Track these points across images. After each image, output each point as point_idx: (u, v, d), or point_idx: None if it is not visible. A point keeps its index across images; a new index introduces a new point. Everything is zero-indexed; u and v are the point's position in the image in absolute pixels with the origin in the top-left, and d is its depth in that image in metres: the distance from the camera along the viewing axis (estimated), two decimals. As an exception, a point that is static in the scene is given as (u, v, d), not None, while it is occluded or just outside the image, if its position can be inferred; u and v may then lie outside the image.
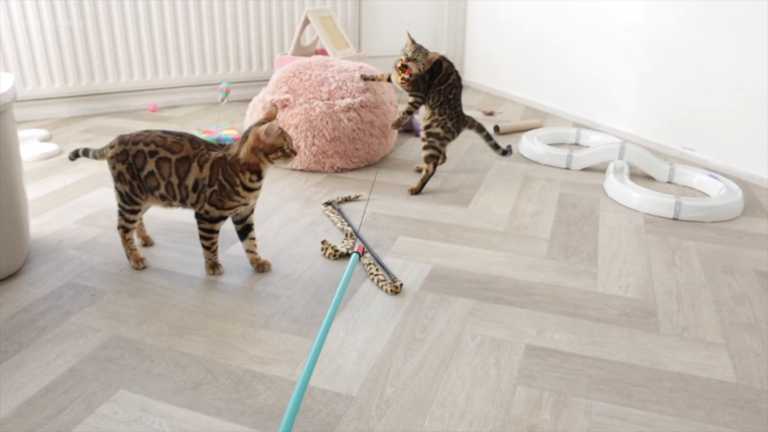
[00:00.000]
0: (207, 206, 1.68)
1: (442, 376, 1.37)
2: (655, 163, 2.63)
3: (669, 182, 2.62)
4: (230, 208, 1.69)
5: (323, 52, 3.70)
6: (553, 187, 2.52)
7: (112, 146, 1.74)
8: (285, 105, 2.57)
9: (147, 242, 1.97)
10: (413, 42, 2.36)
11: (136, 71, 3.53)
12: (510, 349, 1.48)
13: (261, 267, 1.82)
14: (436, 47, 4.47)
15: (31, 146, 2.80)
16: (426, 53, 2.34)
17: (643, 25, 3.04)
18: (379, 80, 2.67)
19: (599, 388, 1.36)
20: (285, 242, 1.99)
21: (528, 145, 2.88)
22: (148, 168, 1.69)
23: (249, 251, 1.81)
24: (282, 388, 1.33)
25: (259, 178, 1.67)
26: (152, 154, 1.69)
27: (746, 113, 2.62)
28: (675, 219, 2.24)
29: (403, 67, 2.35)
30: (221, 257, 1.87)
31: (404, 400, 1.29)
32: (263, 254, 1.88)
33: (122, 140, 1.73)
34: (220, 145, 1.71)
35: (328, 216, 2.18)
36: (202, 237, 1.75)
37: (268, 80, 3.81)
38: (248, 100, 3.74)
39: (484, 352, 1.46)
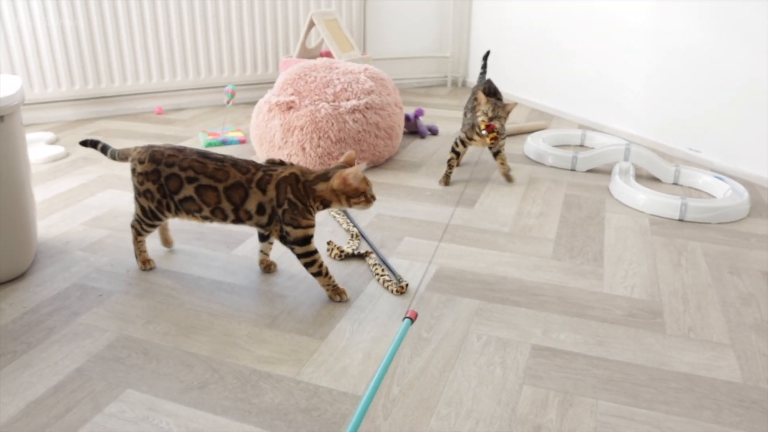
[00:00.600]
0: (286, 228, 1.59)
1: (448, 376, 1.37)
2: (660, 164, 2.62)
3: (674, 183, 2.62)
4: (308, 226, 1.60)
5: (328, 55, 3.71)
6: (558, 189, 2.52)
7: (141, 161, 1.65)
8: (290, 107, 2.57)
9: (168, 244, 1.94)
10: (487, 99, 2.37)
11: (142, 74, 3.55)
12: (516, 349, 1.48)
13: (268, 268, 1.81)
14: (441, 49, 4.48)
15: (39, 149, 2.81)
16: (504, 106, 2.37)
17: (648, 27, 3.04)
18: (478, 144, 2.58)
19: (605, 388, 1.35)
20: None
21: (532, 145, 2.88)
22: (185, 193, 1.62)
23: (263, 252, 1.79)
24: (288, 387, 1.33)
25: (325, 208, 1.63)
26: (191, 180, 1.61)
27: (752, 115, 2.62)
28: (681, 220, 2.24)
29: (488, 127, 2.37)
30: (226, 257, 1.88)
31: (410, 400, 1.30)
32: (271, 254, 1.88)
33: (154, 158, 1.64)
34: (274, 162, 1.64)
35: (334, 217, 2.18)
36: (305, 265, 1.64)
37: (273, 82, 3.83)
38: (254, 103, 3.76)
39: (490, 351, 1.46)
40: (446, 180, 2.54)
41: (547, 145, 2.88)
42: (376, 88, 2.68)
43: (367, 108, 2.59)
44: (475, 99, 2.47)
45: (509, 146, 3.02)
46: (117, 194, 2.36)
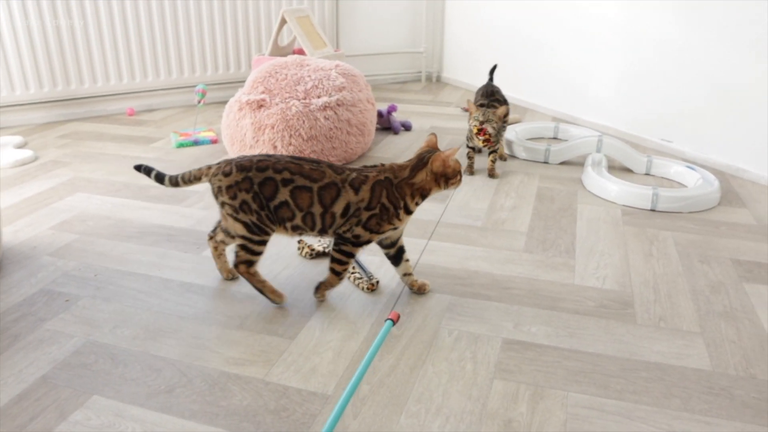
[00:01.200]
0: (359, 230, 1.54)
1: (418, 373, 1.37)
2: (632, 155, 2.64)
3: (647, 174, 2.63)
4: (383, 233, 1.57)
5: (301, 52, 3.68)
6: (531, 181, 2.52)
7: (227, 173, 1.53)
8: (261, 105, 2.55)
9: (233, 275, 1.77)
10: (476, 107, 2.53)
11: (112, 75, 3.50)
12: (487, 343, 1.47)
13: (421, 289, 1.69)
14: (415, 45, 4.47)
15: (6, 153, 2.77)
16: (494, 111, 2.48)
17: (620, 21, 3.05)
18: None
19: (576, 379, 1.35)
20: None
21: (506, 138, 2.88)
22: (281, 198, 1.52)
23: (406, 275, 1.68)
24: (257, 389, 1.31)
25: (422, 200, 1.59)
26: (286, 182, 1.52)
27: (722, 105, 2.64)
28: (653, 210, 2.25)
29: (480, 131, 2.48)
30: (196, 259, 1.86)
31: (380, 398, 1.29)
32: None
33: (242, 166, 1.53)
34: (369, 167, 1.59)
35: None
36: (337, 261, 1.59)
37: (245, 81, 3.80)
38: (226, 102, 3.72)
39: (461, 347, 1.46)
40: (470, 169, 2.64)
41: (520, 138, 2.88)
42: (348, 85, 2.67)
43: (338, 105, 2.58)
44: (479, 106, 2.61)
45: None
46: (86, 197, 2.32)
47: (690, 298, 1.69)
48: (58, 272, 1.79)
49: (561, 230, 2.08)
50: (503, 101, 2.68)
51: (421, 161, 1.56)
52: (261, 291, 1.62)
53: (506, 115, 2.65)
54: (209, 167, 1.58)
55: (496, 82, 2.97)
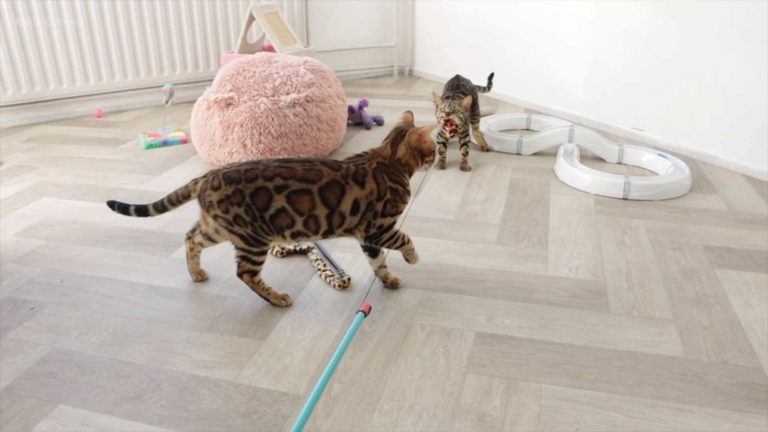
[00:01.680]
0: (380, 220, 1.53)
1: (390, 369, 1.35)
2: (604, 144, 2.64)
3: (619, 163, 2.64)
4: (401, 212, 1.57)
5: (270, 49, 3.65)
6: (503, 173, 2.52)
7: (216, 187, 1.48)
8: (229, 103, 2.52)
9: (202, 277, 1.74)
10: (442, 98, 2.54)
11: (78, 77, 3.44)
12: (460, 337, 1.46)
13: (394, 284, 1.67)
14: (386, 39, 4.45)
15: (-31, 158, 2.71)
16: (460, 102, 2.49)
17: (588, 11, 3.05)
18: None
19: (549, 371, 1.35)
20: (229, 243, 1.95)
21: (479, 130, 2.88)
22: (276, 206, 1.47)
23: (381, 267, 1.66)
24: (227, 391, 1.29)
25: (410, 176, 1.60)
26: (280, 189, 1.46)
27: (692, 92, 2.65)
28: (625, 199, 2.25)
29: (447, 122, 2.48)
30: (165, 261, 1.83)
31: (352, 396, 1.27)
32: (207, 256, 1.84)
33: (230, 178, 1.47)
34: (354, 159, 1.56)
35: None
36: (390, 245, 1.58)
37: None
38: (196, 101, 3.68)
39: (434, 342, 1.44)
40: (441, 164, 2.62)
41: (492, 130, 2.87)
42: (317, 81, 2.64)
43: (307, 101, 2.55)
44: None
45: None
46: (52, 202, 2.28)
47: (662, 286, 1.69)
48: (23, 279, 1.75)
49: (534, 221, 2.08)
50: (469, 91, 2.67)
51: (399, 134, 1.56)
52: (267, 299, 1.60)
53: (474, 105, 2.70)
54: (195, 182, 1.53)
55: (468, 76, 2.97)
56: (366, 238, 1.55)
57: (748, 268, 1.78)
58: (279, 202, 1.47)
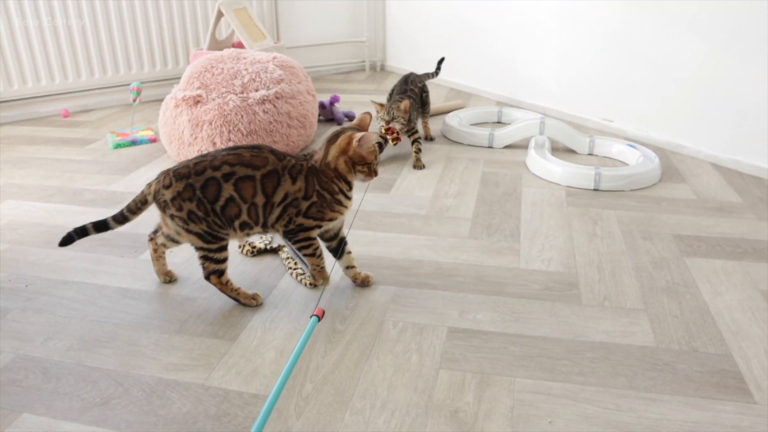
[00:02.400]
0: (301, 219, 1.49)
1: (363, 367, 1.34)
2: (575, 136, 2.65)
3: (590, 154, 2.65)
4: (330, 219, 1.52)
5: (240, 46, 3.60)
6: (475, 167, 2.51)
7: (167, 186, 1.46)
8: (198, 101, 2.48)
9: (171, 278, 1.71)
10: (381, 105, 2.52)
11: (43, 75, 3.37)
12: (432, 333, 1.45)
13: (365, 282, 1.65)
14: (357, 34, 4.42)
15: (-70, 162, 2.64)
16: (398, 106, 2.47)
17: (558, 3, 3.05)
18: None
19: (522, 365, 1.35)
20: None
21: (449, 124, 2.87)
22: (225, 195, 1.45)
23: (349, 267, 1.64)
24: (197, 394, 1.27)
25: (350, 188, 1.52)
26: (228, 176, 1.44)
27: (660, 83, 2.67)
28: (596, 190, 2.26)
29: (388, 131, 2.45)
30: (133, 263, 1.80)
31: (324, 396, 1.26)
32: (177, 257, 1.81)
33: (179, 174, 1.45)
34: (305, 156, 1.52)
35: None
36: (302, 248, 1.54)
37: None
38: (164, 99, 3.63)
39: (406, 338, 1.43)
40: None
41: (463, 124, 2.87)
42: (286, 77, 2.61)
43: (277, 97, 2.52)
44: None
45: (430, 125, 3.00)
46: (17, 204, 2.23)
47: (633, 276, 1.70)
48: (-13, 285, 1.71)
49: (506, 215, 2.08)
50: (418, 92, 2.70)
51: (334, 137, 1.49)
52: (236, 299, 1.58)
53: (424, 101, 2.75)
54: (149, 185, 1.51)
55: (420, 66, 2.96)
56: (284, 233, 1.53)
57: (716, 256, 1.79)
58: (227, 191, 1.45)
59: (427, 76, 2.90)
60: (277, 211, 1.49)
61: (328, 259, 1.77)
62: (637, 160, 2.43)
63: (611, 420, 1.19)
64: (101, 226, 1.55)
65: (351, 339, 1.44)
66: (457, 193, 2.25)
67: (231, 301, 1.60)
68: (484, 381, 1.29)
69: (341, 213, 1.53)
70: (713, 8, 2.39)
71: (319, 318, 1.23)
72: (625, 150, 2.54)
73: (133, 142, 2.89)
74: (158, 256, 1.67)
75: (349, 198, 1.53)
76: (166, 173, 1.48)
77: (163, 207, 1.49)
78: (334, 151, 1.47)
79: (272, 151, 1.49)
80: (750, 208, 2.10)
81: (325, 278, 1.61)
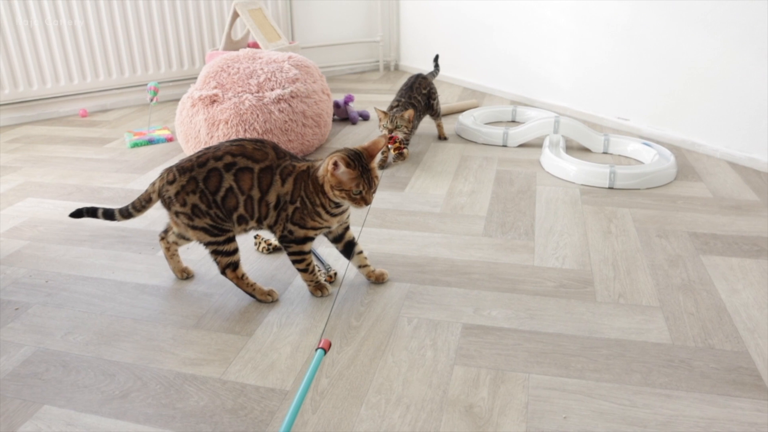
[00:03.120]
0: (290, 226, 1.49)
1: (378, 363, 1.35)
2: (589, 134, 2.64)
3: (605, 152, 2.64)
4: (313, 229, 1.50)
5: (255, 46, 3.63)
6: (490, 165, 2.52)
7: (171, 181, 1.47)
8: (214, 100, 2.50)
9: (187, 275, 1.72)
10: (384, 113, 2.50)
11: (62, 76, 3.41)
12: (447, 329, 1.46)
13: (379, 279, 1.65)
14: (371, 34, 4.43)
15: (-48, 161, 2.68)
16: (402, 115, 2.46)
17: (570, 1, 3.05)
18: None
19: (537, 361, 1.35)
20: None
21: (463, 123, 2.87)
22: (225, 185, 1.46)
23: (362, 266, 1.64)
24: (214, 388, 1.28)
25: (338, 205, 1.48)
26: (229, 167, 1.45)
27: (676, 80, 2.66)
28: (610, 188, 2.26)
29: (391, 139, 2.47)
30: (151, 260, 1.82)
31: (339, 390, 1.27)
32: (193, 254, 1.83)
33: (182, 168, 1.47)
34: (301, 159, 1.52)
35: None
36: (293, 261, 1.55)
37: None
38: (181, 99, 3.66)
39: (421, 334, 1.44)
40: (381, 164, 2.52)
41: (478, 123, 2.87)
42: (301, 76, 2.63)
43: (292, 97, 2.54)
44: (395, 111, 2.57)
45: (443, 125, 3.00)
46: (37, 202, 2.26)
47: (649, 273, 1.69)
48: (8, 280, 1.74)
49: (520, 212, 2.08)
50: (425, 95, 2.69)
51: (332, 153, 1.43)
52: (252, 294, 1.59)
53: (430, 104, 2.72)
54: (153, 184, 1.53)
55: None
56: (279, 239, 1.53)
57: (733, 254, 1.78)
58: (228, 181, 1.46)
59: (432, 75, 2.89)
60: (273, 215, 1.50)
61: (341, 260, 1.78)
62: (652, 159, 2.42)
63: (626, 416, 1.19)
64: (108, 214, 1.59)
65: (366, 335, 1.45)
66: (471, 192, 2.25)
67: (246, 297, 1.61)
68: (498, 377, 1.30)
69: (322, 226, 1.51)
70: (728, 4, 2.38)
71: (325, 351, 1.16)
72: (640, 148, 2.54)
73: (150, 141, 2.92)
74: (171, 254, 1.69)
75: (332, 215, 1.50)
76: (169, 170, 1.50)
77: (167, 204, 1.51)
78: (322, 170, 1.44)
79: (275, 148, 1.50)
80: (767, 207, 2.08)
81: (322, 289, 1.61)
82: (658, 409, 1.21)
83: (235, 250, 1.55)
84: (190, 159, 1.49)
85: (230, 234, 1.53)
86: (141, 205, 1.56)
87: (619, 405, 1.22)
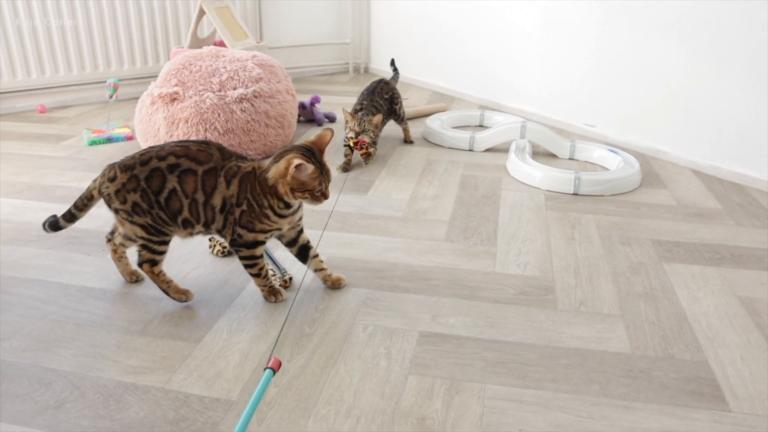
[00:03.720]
0: (239, 229, 1.43)
1: (329, 372, 1.30)
2: (556, 140, 2.62)
3: (571, 158, 2.63)
4: (263, 232, 1.45)
5: (223, 45, 3.56)
6: (455, 170, 2.48)
7: (112, 179, 1.42)
8: (174, 98, 2.43)
9: (137, 278, 1.66)
10: (352, 115, 2.46)
11: (19, 70, 3.30)
12: (402, 337, 1.41)
13: (335, 284, 1.60)
14: (341, 36, 4.39)
15: None
16: (370, 120, 2.42)
17: (540, 8, 3.03)
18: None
19: (494, 371, 1.31)
20: (172, 243, 1.87)
21: (430, 127, 2.84)
22: (169, 186, 1.40)
23: (318, 270, 1.59)
24: (155, 398, 1.22)
25: (288, 206, 1.44)
26: (173, 168, 1.40)
27: (642, 88, 2.65)
28: (575, 194, 2.24)
29: (357, 143, 2.42)
30: (100, 261, 1.75)
31: (287, 401, 1.21)
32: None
33: (124, 166, 1.42)
34: (247, 159, 1.47)
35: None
36: (245, 266, 1.50)
37: (163, 75, 3.65)
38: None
39: (376, 342, 1.39)
40: (345, 166, 2.47)
41: (445, 127, 2.84)
42: (265, 75, 2.57)
43: (255, 96, 2.48)
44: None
45: (410, 128, 2.95)
46: (-16, 201, 2.17)
47: (611, 281, 1.67)
48: (-54, 282, 1.66)
49: (483, 218, 2.04)
50: (388, 100, 2.65)
51: (282, 153, 1.40)
52: (166, 292, 1.53)
53: (393, 110, 2.68)
54: (95, 180, 1.48)
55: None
56: (230, 243, 1.47)
57: (695, 262, 1.77)
58: (171, 182, 1.41)
59: (394, 80, 2.85)
60: (220, 219, 1.44)
61: (298, 264, 1.72)
62: (617, 165, 2.41)
63: (583, 428, 1.15)
64: (54, 225, 1.53)
65: (319, 343, 1.39)
66: (435, 196, 2.21)
67: (198, 302, 1.55)
68: (453, 387, 1.26)
69: (271, 228, 1.45)
70: (694, 15, 2.37)
71: (275, 371, 1.05)
72: (605, 155, 2.52)
73: (109, 140, 2.83)
74: (119, 256, 1.62)
75: (281, 216, 1.45)
76: (111, 166, 1.45)
77: (108, 201, 1.45)
78: (274, 171, 1.39)
79: (220, 149, 1.45)
80: (729, 215, 2.08)
81: (276, 294, 1.56)
82: (615, 421, 1.17)
83: (163, 252, 1.50)
84: (132, 157, 1.44)
85: (167, 238, 1.48)
86: (83, 203, 1.49)
87: (576, 417, 1.18)
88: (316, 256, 1.58)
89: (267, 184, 1.40)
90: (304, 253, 1.56)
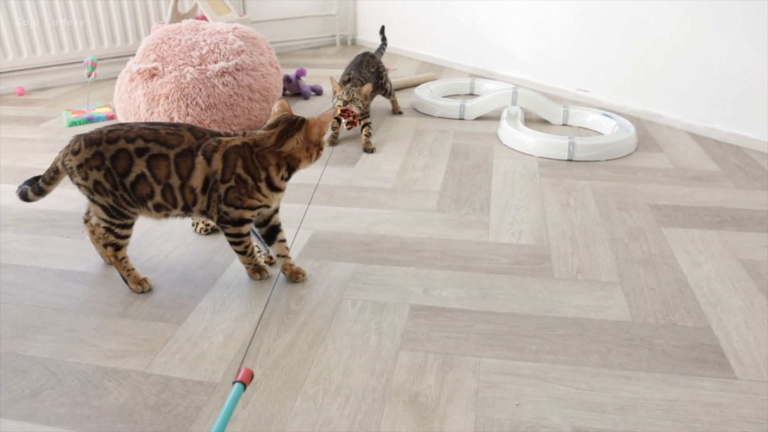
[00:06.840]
0: (224, 207, 1.37)
1: (317, 350, 1.24)
2: (549, 106, 2.56)
3: (564, 124, 2.56)
4: (250, 209, 1.39)
5: (205, 19, 3.46)
6: (445, 139, 2.41)
7: (76, 152, 1.35)
8: (153, 74, 2.35)
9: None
10: (341, 84, 2.40)
11: (-5, 52, 3.21)
12: (393, 312, 1.36)
13: (295, 276, 1.49)
14: (326, 7, 4.28)
15: None
16: (360, 89, 2.35)
17: (528, -34, 2.95)
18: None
19: (489, 344, 1.26)
20: (151, 222, 1.80)
21: (419, 96, 2.76)
22: (136, 171, 1.34)
23: (281, 256, 1.50)
24: (136, 383, 1.17)
25: (290, 176, 1.41)
26: (141, 152, 1.33)
27: (636, 51, 2.58)
28: (570, 160, 2.18)
29: (344, 112, 2.32)
30: (79, 244, 1.68)
31: (274, 381, 1.16)
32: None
33: (90, 140, 1.35)
34: (230, 133, 1.41)
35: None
36: (231, 243, 1.44)
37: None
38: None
39: (365, 318, 1.34)
40: (333, 140, 2.40)
41: (434, 96, 2.76)
42: (247, 48, 2.49)
43: (237, 69, 2.40)
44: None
45: (399, 99, 2.88)
46: (-41, 185, 2.10)
47: (608, 247, 1.61)
48: None
49: (475, 187, 1.98)
50: (374, 74, 2.58)
51: (292, 126, 1.37)
52: (125, 279, 1.47)
53: (379, 83, 2.62)
54: (61, 152, 1.40)
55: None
56: (217, 222, 1.41)
57: (695, 226, 1.71)
58: (139, 167, 1.34)
59: (380, 53, 2.77)
60: (203, 200, 1.37)
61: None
62: (612, 130, 2.34)
63: (583, 400, 1.10)
64: (23, 195, 1.47)
65: (306, 320, 1.34)
66: (425, 166, 2.15)
67: (180, 282, 1.49)
68: (447, 362, 1.20)
69: (261, 204, 1.39)
70: (690, -30, 2.30)
71: (245, 385, 0.89)
72: (600, 119, 2.46)
73: (89, 120, 2.75)
74: (97, 237, 1.55)
75: (276, 189, 1.40)
76: (77, 138, 1.37)
77: (69, 174, 1.38)
78: (294, 142, 1.36)
79: (191, 129, 1.37)
80: (728, 177, 2.02)
81: (261, 271, 1.50)
82: (617, 392, 1.12)
83: (127, 236, 1.44)
84: (100, 131, 1.36)
85: (129, 221, 1.41)
86: (50, 177, 1.42)
87: (575, 389, 1.13)
88: (284, 240, 1.50)
89: (278, 157, 1.37)
90: (272, 234, 1.49)
